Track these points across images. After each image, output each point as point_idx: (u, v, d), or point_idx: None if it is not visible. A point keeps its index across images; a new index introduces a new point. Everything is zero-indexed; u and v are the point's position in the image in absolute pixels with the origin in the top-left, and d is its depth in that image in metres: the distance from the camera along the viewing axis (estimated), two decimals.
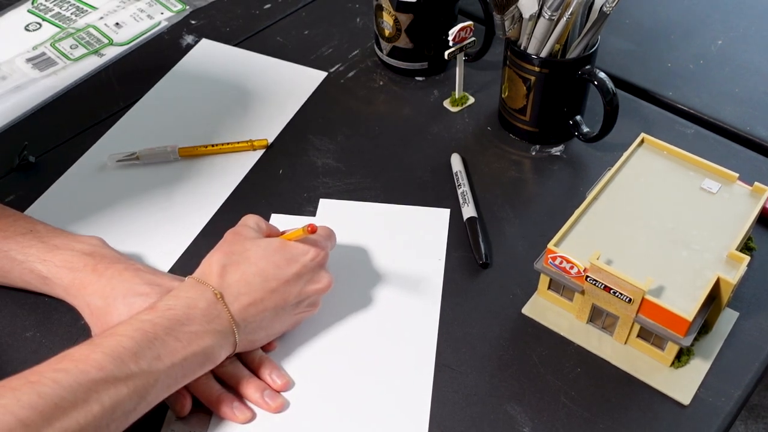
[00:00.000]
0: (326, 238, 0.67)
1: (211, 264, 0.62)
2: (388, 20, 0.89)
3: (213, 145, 0.84)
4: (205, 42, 0.99)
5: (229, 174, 0.82)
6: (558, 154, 0.84)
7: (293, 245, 0.64)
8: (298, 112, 0.89)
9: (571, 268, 0.64)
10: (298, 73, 0.94)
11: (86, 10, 1.03)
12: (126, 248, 0.72)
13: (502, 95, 0.85)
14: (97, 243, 0.68)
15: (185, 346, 0.57)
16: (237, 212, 0.72)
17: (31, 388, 0.49)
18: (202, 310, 0.59)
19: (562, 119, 0.83)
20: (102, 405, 0.51)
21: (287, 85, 0.93)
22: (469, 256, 0.74)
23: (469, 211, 0.76)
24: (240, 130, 0.87)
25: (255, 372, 0.64)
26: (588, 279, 0.64)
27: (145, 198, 0.79)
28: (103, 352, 0.53)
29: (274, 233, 0.68)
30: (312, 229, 0.64)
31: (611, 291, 0.63)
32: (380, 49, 0.94)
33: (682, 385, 0.64)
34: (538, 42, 0.78)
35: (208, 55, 0.97)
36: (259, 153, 0.84)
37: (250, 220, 0.67)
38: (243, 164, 0.83)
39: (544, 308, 0.69)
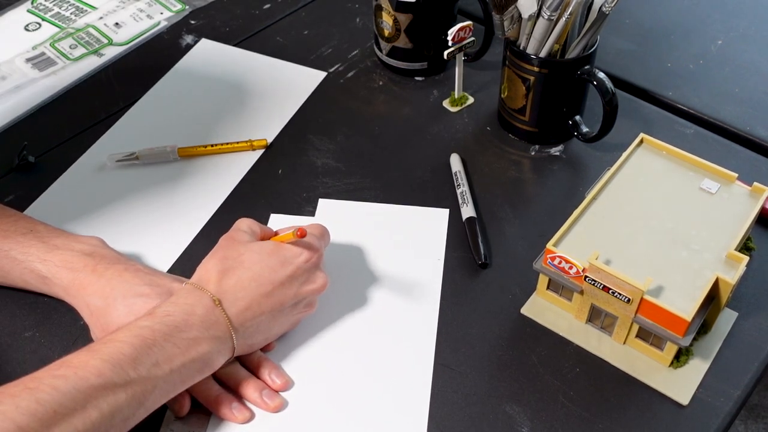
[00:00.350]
0: (319, 237, 0.67)
1: (207, 270, 0.62)
2: (387, 20, 0.89)
3: (212, 145, 0.84)
4: (204, 42, 0.99)
5: (228, 174, 0.82)
6: (557, 154, 0.84)
7: (286, 248, 0.64)
8: (297, 112, 0.89)
9: (570, 268, 0.64)
10: (297, 73, 0.94)
11: (86, 10, 1.03)
12: (125, 248, 0.72)
13: (502, 95, 0.85)
14: (97, 243, 0.68)
15: (183, 353, 0.57)
16: (236, 212, 0.72)
17: (30, 394, 0.49)
18: (200, 316, 0.59)
19: (562, 119, 0.83)
20: (100, 411, 0.51)
21: (287, 85, 0.93)
22: (468, 256, 0.74)
23: (468, 211, 0.76)
24: (239, 130, 0.87)
25: (254, 372, 0.64)
26: (587, 279, 0.64)
27: (144, 198, 0.79)
28: (101, 359, 0.53)
29: (268, 235, 0.68)
30: (301, 234, 0.63)
31: (610, 291, 0.63)
32: (380, 49, 0.94)
33: (681, 385, 0.64)
34: (537, 42, 0.78)
35: (208, 55, 0.97)
36: (259, 153, 0.84)
37: (243, 224, 0.67)
38: (242, 164, 0.83)
39: (543, 308, 0.69)
